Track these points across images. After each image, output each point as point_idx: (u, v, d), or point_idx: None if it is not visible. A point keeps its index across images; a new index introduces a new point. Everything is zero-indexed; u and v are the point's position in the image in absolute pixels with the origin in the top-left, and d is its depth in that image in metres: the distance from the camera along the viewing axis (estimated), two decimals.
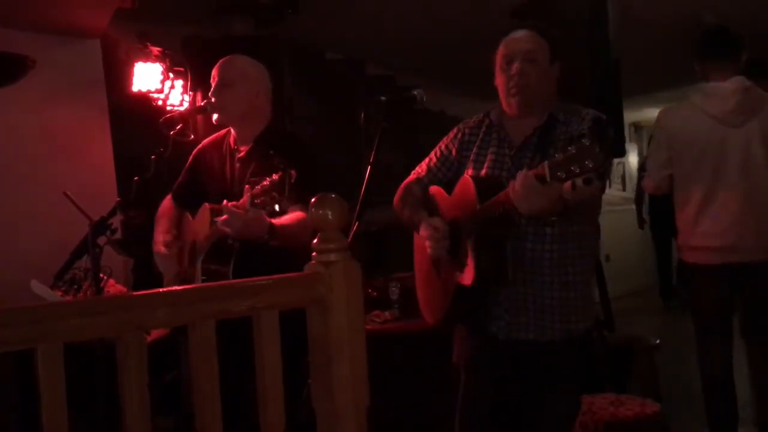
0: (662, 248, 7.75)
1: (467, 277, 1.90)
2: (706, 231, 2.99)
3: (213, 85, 2.44)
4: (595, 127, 1.78)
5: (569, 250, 1.97)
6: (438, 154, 2.18)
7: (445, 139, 2.18)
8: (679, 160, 3.05)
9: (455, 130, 2.17)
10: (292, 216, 2.22)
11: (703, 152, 2.99)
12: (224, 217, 2.09)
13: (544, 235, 1.95)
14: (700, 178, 3.00)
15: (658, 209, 7.45)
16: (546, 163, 1.61)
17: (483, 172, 2.04)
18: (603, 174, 1.75)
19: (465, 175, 2.02)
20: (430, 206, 2.11)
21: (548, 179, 1.60)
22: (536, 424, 2.05)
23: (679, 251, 3.18)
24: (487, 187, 1.88)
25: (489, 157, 2.04)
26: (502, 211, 1.78)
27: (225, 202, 2.14)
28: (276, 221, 2.15)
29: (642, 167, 3.22)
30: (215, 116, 2.41)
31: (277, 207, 2.03)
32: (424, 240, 2.00)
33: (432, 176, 2.17)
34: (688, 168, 3.03)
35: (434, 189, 2.14)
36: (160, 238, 2.48)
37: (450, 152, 2.14)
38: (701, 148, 3.00)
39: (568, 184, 1.61)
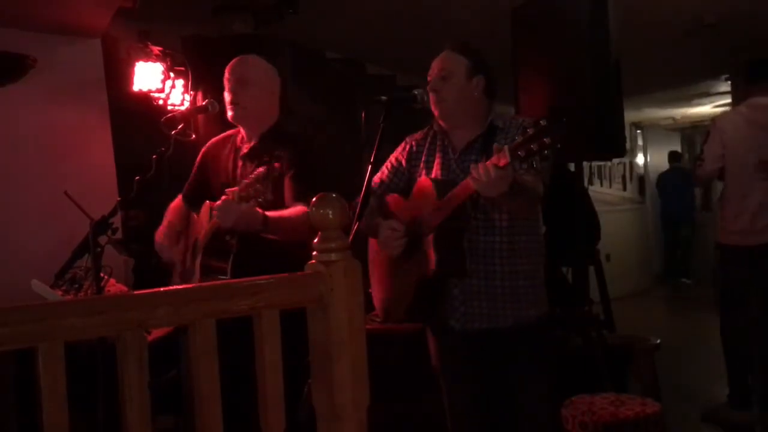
0: (672, 242, 9.37)
1: (428, 269, 2.05)
2: (744, 218, 3.69)
3: (227, 84, 2.46)
4: (552, 112, 1.90)
5: (518, 242, 2.15)
6: (389, 166, 2.35)
7: (394, 152, 2.36)
8: (729, 157, 3.77)
9: (403, 143, 2.35)
10: (292, 210, 2.26)
11: (747, 153, 3.68)
12: (217, 205, 2.14)
13: (494, 227, 2.13)
14: (743, 174, 3.70)
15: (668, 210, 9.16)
16: (505, 147, 1.78)
17: (433, 174, 2.23)
18: (550, 156, 1.95)
19: (422, 178, 2.20)
20: (385, 214, 2.26)
21: (510, 160, 1.76)
22: (511, 413, 2.18)
23: (719, 234, 3.87)
24: (443, 185, 2.08)
25: (436, 162, 2.23)
26: (461, 202, 1.98)
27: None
28: (271, 214, 2.18)
29: (698, 158, 4.11)
30: (230, 114, 2.43)
31: (261, 200, 2.08)
32: (383, 241, 2.16)
33: (385, 187, 2.33)
34: (735, 164, 3.75)
35: (390, 197, 2.30)
36: (161, 229, 2.56)
37: (400, 163, 2.32)
38: (746, 148, 3.70)
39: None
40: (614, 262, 7.58)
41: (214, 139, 2.63)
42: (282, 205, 2.31)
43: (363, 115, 2.17)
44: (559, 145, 1.74)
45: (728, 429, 3.73)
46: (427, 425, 3.01)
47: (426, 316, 2.28)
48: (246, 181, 2.11)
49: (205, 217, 2.40)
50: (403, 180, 2.32)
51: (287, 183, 2.33)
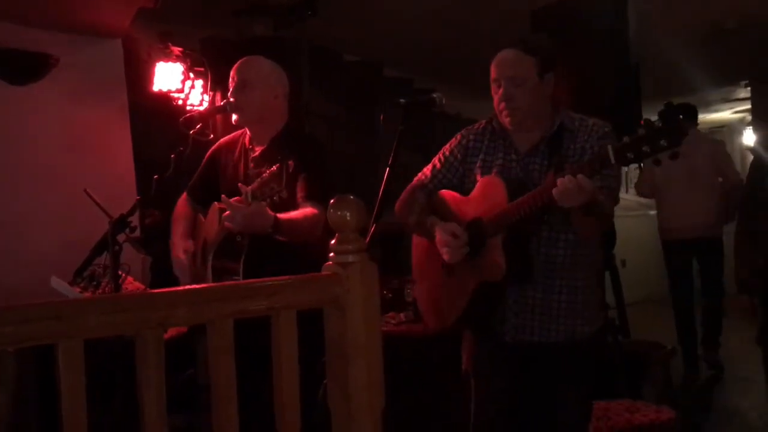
0: None
1: (496, 272, 1.94)
2: (672, 218, 4.87)
3: (231, 85, 2.45)
4: (666, 111, 1.83)
5: (580, 256, 2.03)
6: (442, 159, 2.19)
7: (448, 145, 2.19)
8: (660, 174, 4.77)
9: (458, 136, 2.19)
10: (301, 211, 2.23)
11: (670, 169, 4.18)
12: (227, 212, 2.11)
13: (558, 240, 2.01)
14: (667, 186, 4.85)
15: None
16: (609, 147, 1.74)
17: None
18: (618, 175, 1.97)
19: (491, 176, 2.05)
20: (438, 210, 2.12)
21: (613, 162, 1.74)
22: (545, 428, 2.08)
23: (659, 233, 5.06)
24: (515, 187, 1.96)
25: (497, 163, 2.08)
26: (536, 208, 1.87)
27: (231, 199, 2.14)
28: (281, 215, 2.16)
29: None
30: (234, 117, 2.42)
31: (276, 198, 2.05)
32: (441, 246, 2.02)
33: (437, 182, 2.18)
34: (662, 180, 4.86)
35: (445, 192, 2.16)
36: (180, 243, 2.48)
37: (455, 158, 2.16)
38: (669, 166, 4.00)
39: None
40: (630, 268, 7.53)
41: (222, 140, 2.62)
42: (294, 205, 2.28)
43: (381, 117, 2.14)
44: (676, 149, 1.67)
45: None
46: (442, 427, 3.01)
47: (478, 325, 2.14)
48: (261, 179, 2.09)
49: (213, 217, 2.38)
50: (456, 176, 2.16)
51: (300, 183, 2.29)
